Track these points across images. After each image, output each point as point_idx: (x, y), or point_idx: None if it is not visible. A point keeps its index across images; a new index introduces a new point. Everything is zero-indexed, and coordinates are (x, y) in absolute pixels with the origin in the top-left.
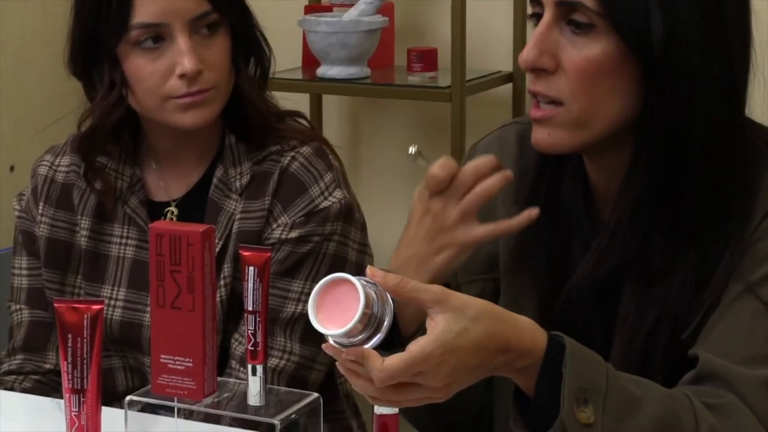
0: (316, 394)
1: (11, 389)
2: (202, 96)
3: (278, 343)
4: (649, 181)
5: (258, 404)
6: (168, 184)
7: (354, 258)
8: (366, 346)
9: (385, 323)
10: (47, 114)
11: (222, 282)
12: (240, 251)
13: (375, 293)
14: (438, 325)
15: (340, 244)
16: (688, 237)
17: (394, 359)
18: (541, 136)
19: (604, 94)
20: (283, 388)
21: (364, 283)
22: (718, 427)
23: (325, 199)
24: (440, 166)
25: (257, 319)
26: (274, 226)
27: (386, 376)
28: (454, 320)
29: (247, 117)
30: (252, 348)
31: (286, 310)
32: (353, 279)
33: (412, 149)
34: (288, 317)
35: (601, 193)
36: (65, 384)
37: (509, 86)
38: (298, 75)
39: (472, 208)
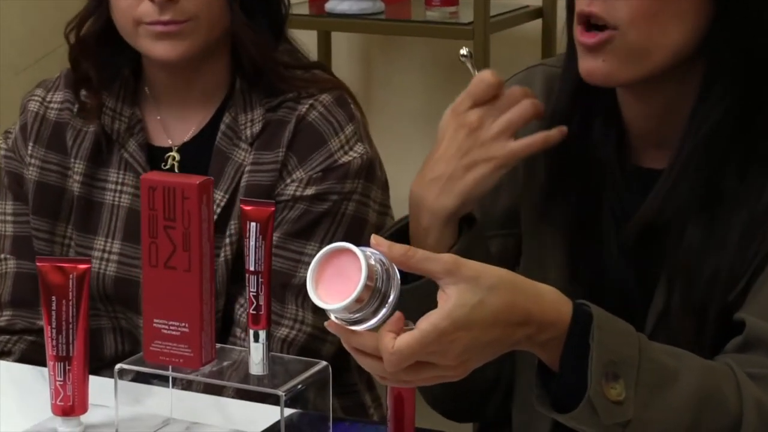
0: (324, 363)
1: (8, 353)
2: (177, 27)
3: (289, 311)
4: (724, 110)
5: (261, 373)
6: (170, 128)
7: (374, 219)
8: (371, 323)
9: (391, 297)
10: (28, 53)
11: (227, 240)
12: (241, 206)
13: (380, 264)
14: (450, 299)
15: (360, 204)
16: (756, 175)
17: (405, 339)
18: (593, 65)
19: (665, 19)
20: (288, 356)
21: (369, 253)
22: (765, 400)
23: (346, 153)
24: (491, 72)
25: (259, 280)
26: (288, 181)
27: (398, 359)
28: (467, 292)
29: (253, 60)
30: (254, 312)
31: (299, 275)
32: (355, 249)
33: (464, 50)
34: (301, 284)
35: (639, 134)
36: (49, 351)
37: (538, 22)
38: (305, 10)
39: (515, 123)
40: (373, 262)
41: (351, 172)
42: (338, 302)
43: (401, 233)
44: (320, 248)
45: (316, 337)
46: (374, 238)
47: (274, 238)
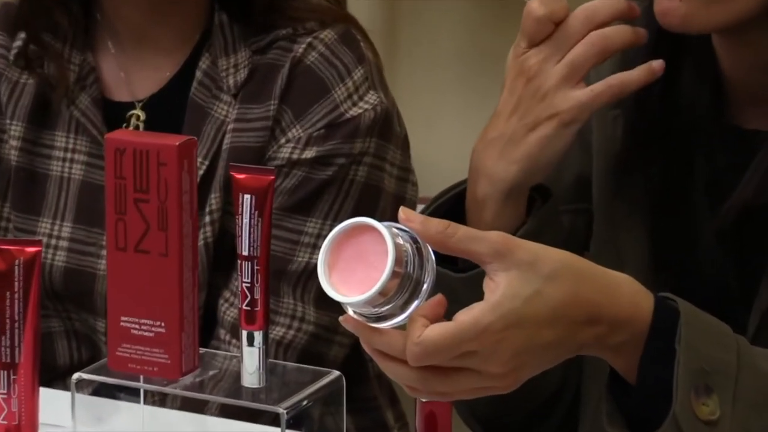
0: (337, 373)
1: None
2: None
3: (285, 306)
4: None
5: (256, 386)
6: (132, 77)
7: (393, 188)
8: (398, 319)
9: (425, 286)
10: None
11: (207, 219)
12: (232, 173)
13: (410, 245)
14: (498, 288)
15: (373, 169)
16: None
17: (436, 330)
18: (669, 5)
19: None
20: (291, 364)
21: (396, 230)
22: None
23: (354, 104)
24: (542, 1)
25: (255, 267)
26: (282, 141)
27: (422, 351)
28: (521, 280)
29: None
30: (247, 308)
31: (297, 260)
32: (379, 226)
33: None
34: (299, 270)
35: (739, 89)
36: None
37: None
38: None
39: (581, 65)
40: (402, 242)
41: (361, 129)
42: (358, 294)
43: (451, 209)
44: (323, 226)
45: (320, 337)
46: (404, 212)
47: None
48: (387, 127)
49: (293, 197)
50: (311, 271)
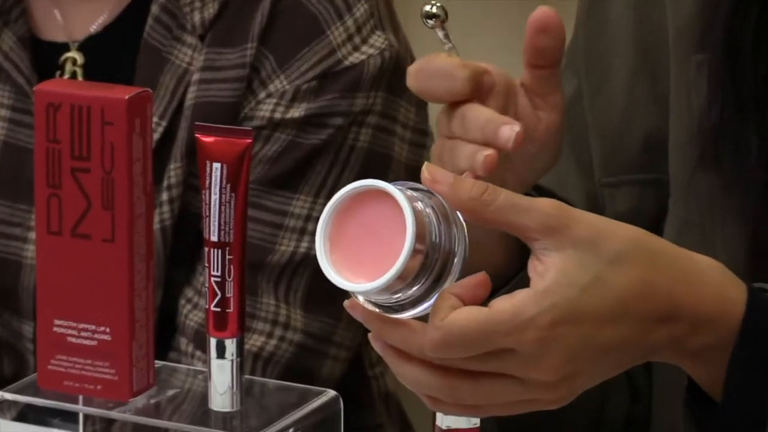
0: (332, 393)
1: None
2: None
3: (265, 308)
4: None
5: (228, 410)
6: (68, 11)
7: (404, 155)
8: (422, 307)
9: (455, 262)
10: None
11: (165, 195)
12: (197, 136)
13: (434, 214)
14: (549, 272)
15: (380, 132)
16: None
17: (465, 314)
18: None
19: None
20: (273, 382)
21: (414, 194)
22: None
23: (356, 48)
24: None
25: (227, 257)
26: (262, 95)
27: (444, 338)
28: (579, 263)
29: None
30: (217, 309)
31: (281, 249)
32: (392, 190)
33: (430, 6)
34: (283, 262)
35: None
36: None
37: None
38: None
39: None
40: (421, 207)
41: (365, 80)
42: (370, 279)
43: None
44: (314, 205)
45: (310, 348)
46: (428, 169)
47: None
48: (398, 78)
49: (276, 168)
50: (298, 263)
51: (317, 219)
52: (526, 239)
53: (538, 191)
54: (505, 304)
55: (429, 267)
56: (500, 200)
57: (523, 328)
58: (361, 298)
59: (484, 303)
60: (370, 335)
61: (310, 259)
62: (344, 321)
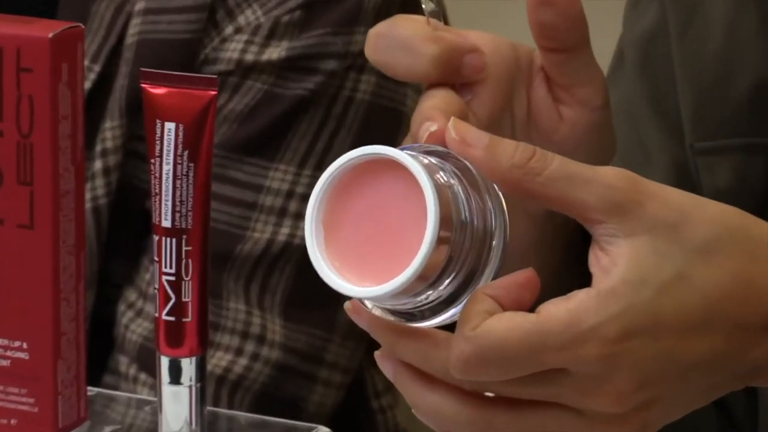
0: (324, 430)
1: None
2: None
3: (233, 315)
4: None
5: None
6: None
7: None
8: (449, 313)
9: (491, 251)
10: None
11: (99, 164)
12: (143, 86)
13: (462, 188)
14: (617, 266)
15: (386, 80)
16: None
17: (505, 322)
18: None
19: None
20: (245, 416)
21: (434, 161)
22: None
23: None
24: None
25: (183, 249)
26: (229, 30)
27: (476, 354)
28: (657, 255)
29: None
30: (170, 318)
31: (254, 236)
32: (407, 159)
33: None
34: (257, 255)
35: None
36: None
37: None
38: None
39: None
40: (445, 179)
41: (366, 10)
42: (379, 281)
43: None
44: (297, 179)
45: (293, 371)
46: (456, 126)
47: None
48: (410, 12)
49: (248, 128)
50: (277, 256)
51: (302, 196)
52: (586, 221)
53: None
54: (558, 309)
55: (458, 260)
56: (553, 168)
57: (581, 342)
58: (369, 303)
59: (531, 309)
60: (377, 353)
61: (293, 250)
62: (339, 333)
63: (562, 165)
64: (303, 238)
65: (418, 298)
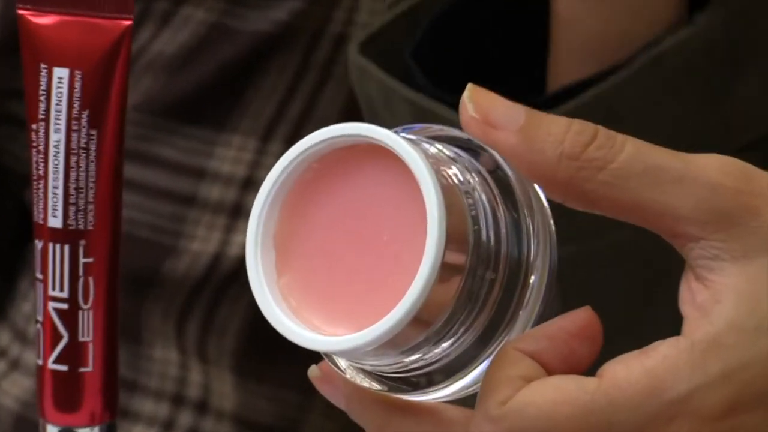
0: None
1: None
2: None
3: (159, 368)
4: None
5: None
6: None
7: None
8: (459, 385)
9: (529, 286)
10: None
11: None
12: (20, 12)
13: (484, 189)
14: (722, 304)
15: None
16: None
17: (551, 392)
18: None
19: None
20: None
21: (444, 151)
22: None
23: None
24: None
25: (81, 261)
26: None
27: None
28: None
29: None
30: (60, 367)
31: (192, 249)
32: (402, 145)
33: None
34: (196, 277)
35: None
36: None
37: None
38: None
39: None
40: (457, 176)
41: None
42: (356, 327)
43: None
44: (259, 156)
45: None
46: (473, 94)
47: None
48: None
49: (184, 81)
50: (227, 279)
51: (260, 180)
52: (676, 238)
53: None
54: (630, 371)
55: (476, 298)
56: (623, 159)
57: (667, 420)
58: (343, 363)
59: (590, 371)
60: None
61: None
62: (322, 396)
63: (638, 153)
64: None
65: (415, 356)
